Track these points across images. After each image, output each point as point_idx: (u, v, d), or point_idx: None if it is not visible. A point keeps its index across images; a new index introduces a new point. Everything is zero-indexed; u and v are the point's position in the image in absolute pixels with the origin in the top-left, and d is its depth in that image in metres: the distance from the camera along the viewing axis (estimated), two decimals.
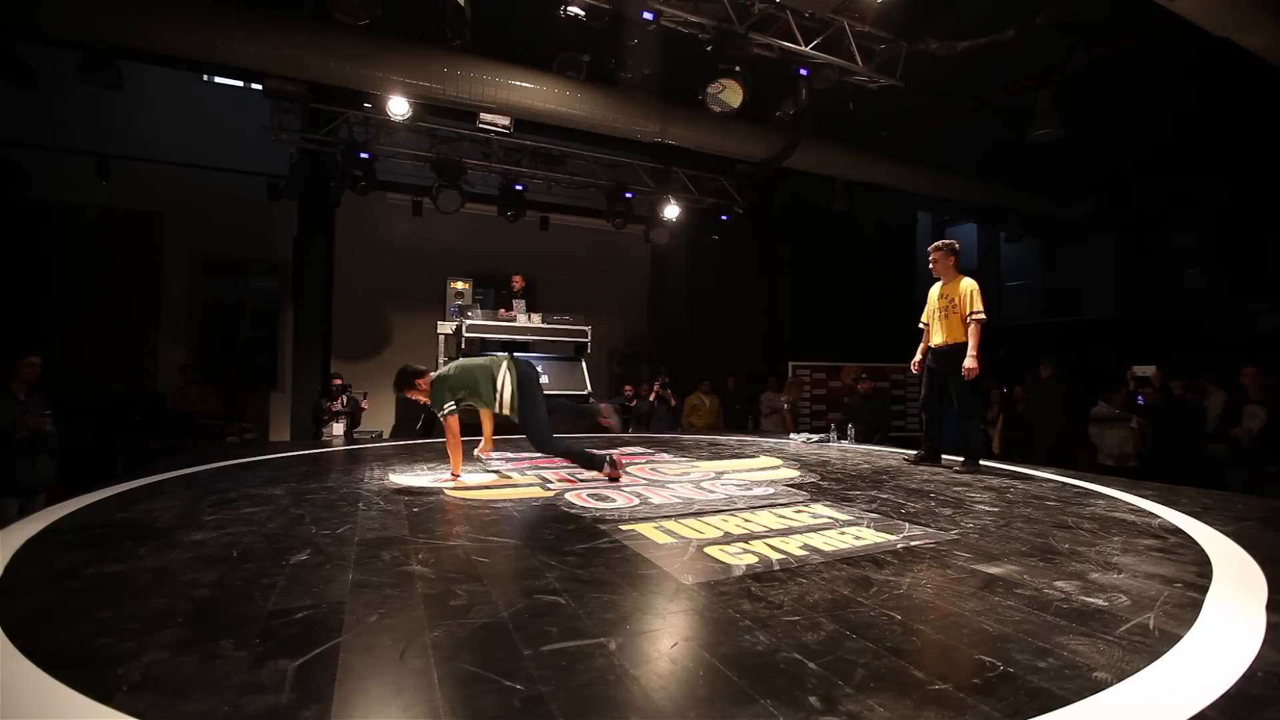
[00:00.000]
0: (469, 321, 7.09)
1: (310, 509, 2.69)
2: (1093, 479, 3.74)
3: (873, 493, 3.21)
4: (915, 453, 4.61)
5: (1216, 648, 1.35)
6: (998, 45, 5.78)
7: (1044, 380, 7.09)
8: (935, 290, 4.30)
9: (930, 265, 4.29)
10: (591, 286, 10.65)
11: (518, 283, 7.90)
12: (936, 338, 4.23)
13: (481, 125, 6.97)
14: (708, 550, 2.09)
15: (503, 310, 7.46)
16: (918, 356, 4.44)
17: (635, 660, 1.28)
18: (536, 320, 7.53)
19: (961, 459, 4.20)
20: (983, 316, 3.99)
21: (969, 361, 3.94)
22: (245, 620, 1.46)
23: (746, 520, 2.54)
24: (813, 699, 1.12)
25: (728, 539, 2.24)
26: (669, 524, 2.47)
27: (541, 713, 1.07)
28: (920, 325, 4.44)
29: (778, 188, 8.98)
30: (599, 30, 5.42)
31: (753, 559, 1.99)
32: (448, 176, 8.07)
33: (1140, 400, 5.85)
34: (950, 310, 4.12)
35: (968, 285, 4.09)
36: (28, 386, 4.20)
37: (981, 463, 4.21)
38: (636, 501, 2.92)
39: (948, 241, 4.29)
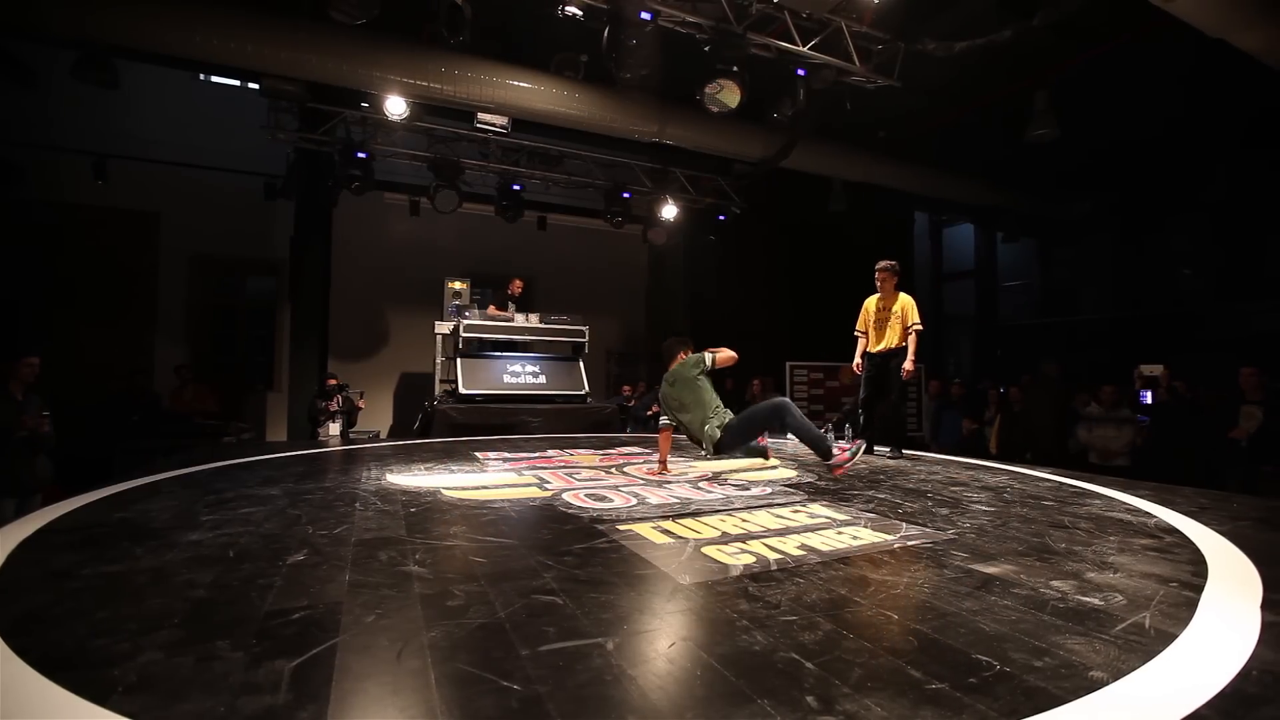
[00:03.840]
0: (466, 321, 7.09)
1: (307, 509, 2.68)
2: (1089, 479, 3.75)
3: (870, 493, 3.21)
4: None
5: (1212, 647, 1.35)
6: (995, 46, 5.78)
7: (1038, 380, 7.10)
8: (873, 302, 4.81)
9: (878, 282, 4.78)
10: (589, 286, 10.64)
11: (516, 288, 7.88)
12: (876, 345, 4.71)
13: (479, 125, 6.96)
14: (705, 550, 2.09)
15: (492, 307, 7.45)
16: (857, 359, 4.86)
17: (633, 660, 1.28)
18: (534, 320, 7.53)
19: (889, 449, 4.79)
20: (921, 327, 4.55)
21: (909, 365, 4.50)
22: (242, 621, 1.45)
23: (744, 520, 2.54)
24: (810, 699, 1.12)
25: (725, 539, 2.24)
26: (666, 524, 2.47)
27: (539, 713, 1.07)
28: (856, 333, 4.88)
29: (775, 188, 8.98)
30: (597, 30, 5.42)
31: (750, 559, 1.99)
32: (445, 176, 8.06)
33: (1144, 399, 5.86)
34: (890, 321, 4.63)
35: (908, 300, 4.65)
36: (25, 386, 4.20)
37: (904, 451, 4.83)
38: (634, 501, 2.92)
39: (892, 263, 4.78)
